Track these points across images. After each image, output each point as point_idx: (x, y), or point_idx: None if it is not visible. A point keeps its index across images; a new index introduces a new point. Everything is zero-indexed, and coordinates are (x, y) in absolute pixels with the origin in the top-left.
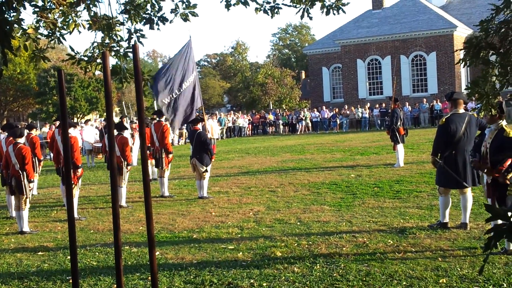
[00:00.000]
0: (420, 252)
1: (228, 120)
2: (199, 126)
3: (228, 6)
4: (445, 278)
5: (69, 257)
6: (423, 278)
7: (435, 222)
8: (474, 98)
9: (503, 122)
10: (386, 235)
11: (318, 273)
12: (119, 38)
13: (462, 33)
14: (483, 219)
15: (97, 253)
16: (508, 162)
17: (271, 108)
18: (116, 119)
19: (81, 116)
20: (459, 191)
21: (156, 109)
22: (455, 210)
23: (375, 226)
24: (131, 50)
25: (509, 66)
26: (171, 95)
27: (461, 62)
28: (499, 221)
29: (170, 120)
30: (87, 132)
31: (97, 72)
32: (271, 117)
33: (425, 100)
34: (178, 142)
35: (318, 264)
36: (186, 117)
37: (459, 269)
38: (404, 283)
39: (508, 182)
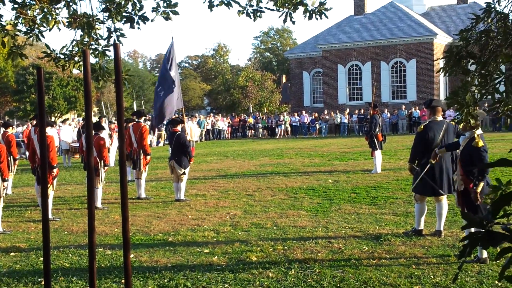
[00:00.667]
0: (394, 259)
1: (208, 123)
2: (179, 128)
3: (211, 6)
4: (419, 286)
5: (41, 258)
6: (397, 285)
7: (410, 229)
8: (452, 109)
9: (477, 131)
10: (362, 241)
11: (292, 279)
12: (98, 37)
13: (442, 41)
14: (458, 227)
15: (70, 255)
16: (479, 188)
17: (251, 111)
18: (95, 119)
19: (59, 115)
20: (435, 198)
21: (135, 109)
22: (430, 218)
23: (350, 232)
24: (109, 48)
25: (488, 76)
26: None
27: (441, 71)
28: (473, 229)
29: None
30: (64, 131)
31: (76, 71)
32: (251, 120)
33: (403, 107)
34: (157, 143)
35: (293, 269)
36: (161, 116)
37: (432, 276)
38: None
39: (479, 201)
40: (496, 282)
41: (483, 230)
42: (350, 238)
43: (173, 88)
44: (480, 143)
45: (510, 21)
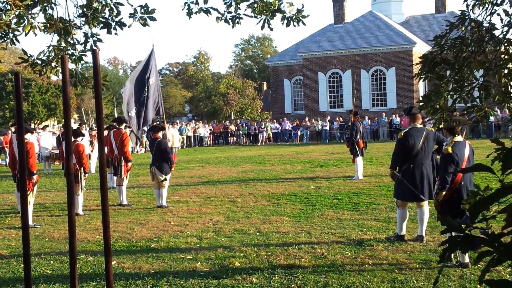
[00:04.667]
0: (377, 264)
1: (189, 129)
2: (160, 134)
3: (189, 14)
4: None
5: (22, 265)
6: None
7: (392, 235)
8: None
9: (456, 138)
10: (344, 246)
11: (276, 284)
12: (75, 42)
13: (421, 49)
14: (439, 232)
15: (52, 262)
16: (440, 196)
17: (233, 118)
18: (75, 126)
19: (38, 122)
20: (416, 204)
21: (116, 116)
22: (412, 223)
23: (333, 238)
24: (86, 53)
25: (462, 82)
26: (136, 106)
27: (416, 76)
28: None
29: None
30: (44, 138)
31: (55, 78)
32: (232, 127)
33: (384, 114)
34: (138, 150)
35: (276, 275)
36: (139, 122)
37: (415, 281)
38: None
39: (439, 207)
40: (478, 287)
41: (462, 235)
42: (333, 243)
43: (143, 98)
44: (449, 150)
45: (483, 28)
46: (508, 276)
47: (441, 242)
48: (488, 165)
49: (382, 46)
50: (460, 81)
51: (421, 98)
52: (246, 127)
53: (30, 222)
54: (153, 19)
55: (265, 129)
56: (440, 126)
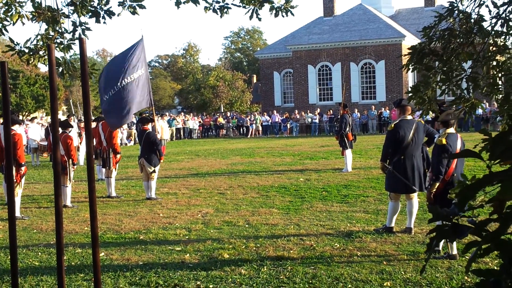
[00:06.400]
0: (365, 255)
1: (178, 122)
2: (149, 126)
3: (178, 3)
4: (390, 281)
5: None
6: (368, 281)
7: (381, 227)
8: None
9: (449, 130)
10: (333, 238)
11: (265, 276)
12: (63, 30)
13: (410, 42)
14: (427, 222)
15: (39, 253)
16: (434, 188)
17: (222, 111)
18: (63, 118)
19: (26, 114)
20: (406, 196)
21: None
22: (400, 215)
23: (322, 230)
24: (74, 42)
25: (450, 73)
26: (110, 91)
27: (404, 67)
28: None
29: (106, 116)
30: (32, 130)
31: (44, 70)
32: (221, 119)
33: (373, 107)
34: (127, 143)
35: (265, 267)
36: (124, 116)
37: (403, 272)
38: (349, 285)
39: (432, 199)
40: (466, 277)
41: (450, 224)
42: (322, 235)
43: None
44: (443, 141)
45: (472, 20)
46: (496, 267)
47: (429, 231)
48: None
49: (371, 39)
50: (448, 72)
51: (409, 89)
52: (236, 120)
53: (18, 214)
54: (142, 6)
55: (254, 122)
56: (435, 117)
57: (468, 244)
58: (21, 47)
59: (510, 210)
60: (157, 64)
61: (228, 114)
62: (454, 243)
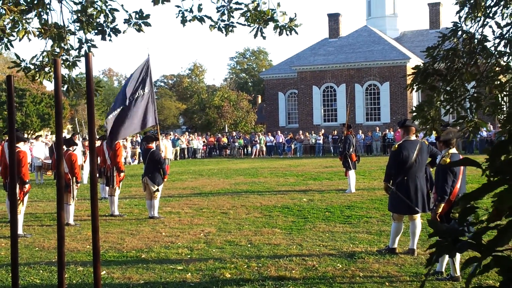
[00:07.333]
0: (368, 276)
1: (182, 141)
2: (153, 145)
3: (183, 22)
4: None
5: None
6: None
7: (383, 247)
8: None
9: (451, 150)
10: (336, 259)
11: None
12: (69, 47)
13: (415, 64)
14: (427, 236)
15: (41, 271)
16: (439, 209)
17: (227, 131)
18: (68, 136)
19: (32, 132)
20: (409, 217)
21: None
22: (404, 236)
23: (325, 250)
24: (80, 59)
25: (454, 93)
26: (116, 110)
27: (408, 87)
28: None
29: (108, 132)
30: (37, 148)
31: (50, 88)
32: (225, 139)
33: (377, 128)
34: (132, 161)
35: (267, 286)
36: (124, 132)
37: None
38: None
39: (438, 219)
40: None
41: (450, 239)
42: (324, 256)
43: (127, 106)
44: (448, 161)
45: (475, 40)
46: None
47: (429, 246)
48: (480, 178)
49: (376, 61)
50: (451, 92)
51: (414, 108)
52: (243, 140)
53: (21, 232)
54: (147, 24)
55: (258, 142)
56: (437, 137)
57: (468, 260)
58: (26, 63)
59: (508, 223)
60: (162, 84)
61: (234, 134)
62: (457, 264)
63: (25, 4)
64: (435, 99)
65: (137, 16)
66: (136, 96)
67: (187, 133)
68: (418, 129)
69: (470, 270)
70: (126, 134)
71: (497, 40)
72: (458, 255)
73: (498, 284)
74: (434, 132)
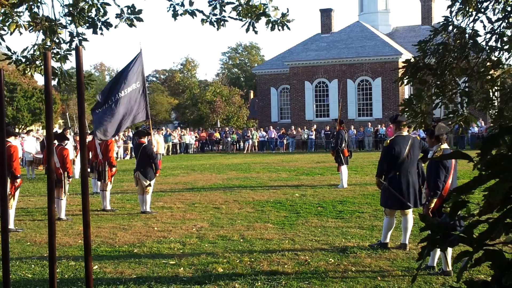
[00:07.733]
0: (360, 271)
1: (174, 136)
2: (145, 139)
3: (175, 15)
4: None
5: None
6: None
7: (375, 242)
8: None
9: (443, 146)
10: (328, 253)
11: None
12: (60, 41)
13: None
14: (419, 230)
15: (33, 266)
16: (432, 204)
17: (219, 126)
18: (59, 131)
19: (23, 127)
20: (401, 212)
21: None
22: (396, 231)
23: (317, 245)
24: (71, 52)
25: (444, 87)
26: (105, 105)
27: (399, 80)
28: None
29: (98, 129)
30: (28, 143)
31: (41, 83)
32: (217, 135)
33: (370, 124)
34: (124, 156)
35: (259, 281)
36: (117, 127)
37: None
38: None
39: (430, 214)
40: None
41: (441, 233)
42: (317, 250)
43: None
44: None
45: (467, 35)
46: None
47: (420, 239)
48: (472, 173)
49: (368, 56)
50: (442, 86)
51: (402, 102)
52: (236, 136)
53: (12, 226)
54: (139, 19)
55: (251, 137)
56: (426, 131)
57: (459, 254)
58: (18, 56)
59: (499, 217)
60: (154, 79)
61: (227, 129)
62: (449, 259)
63: None
64: (424, 93)
65: (129, 11)
66: (126, 91)
67: (179, 128)
68: (406, 122)
69: (461, 264)
70: (120, 130)
71: (488, 35)
72: (449, 250)
73: (490, 278)
74: (422, 126)
